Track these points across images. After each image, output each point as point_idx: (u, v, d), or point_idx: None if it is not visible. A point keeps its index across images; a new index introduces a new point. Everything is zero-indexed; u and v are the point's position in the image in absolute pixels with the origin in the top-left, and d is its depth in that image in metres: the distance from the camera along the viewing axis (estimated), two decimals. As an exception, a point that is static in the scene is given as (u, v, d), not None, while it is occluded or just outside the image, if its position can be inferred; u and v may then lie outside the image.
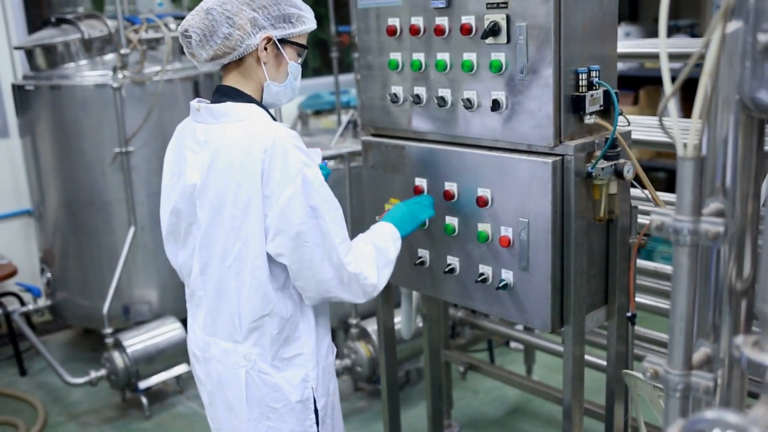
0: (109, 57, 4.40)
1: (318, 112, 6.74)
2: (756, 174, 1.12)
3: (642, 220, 2.68)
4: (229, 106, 2.04)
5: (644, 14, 6.45)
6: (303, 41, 2.16)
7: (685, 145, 1.02)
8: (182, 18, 4.80)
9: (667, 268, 3.11)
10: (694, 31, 5.85)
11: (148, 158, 4.33)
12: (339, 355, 4.18)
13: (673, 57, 2.83)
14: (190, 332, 2.25)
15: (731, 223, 1.12)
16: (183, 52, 4.81)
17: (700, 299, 1.24)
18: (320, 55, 8.08)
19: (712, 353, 1.19)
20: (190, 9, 5.69)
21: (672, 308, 1.10)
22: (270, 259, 2.02)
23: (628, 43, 3.16)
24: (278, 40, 2.07)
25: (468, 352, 4.01)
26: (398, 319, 3.33)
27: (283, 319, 2.06)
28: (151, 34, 4.30)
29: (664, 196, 2.76)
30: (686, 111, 5.98)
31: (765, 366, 0.96)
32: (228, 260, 2.04)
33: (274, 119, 2.10)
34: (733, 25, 1.08)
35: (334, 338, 4.22)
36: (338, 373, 4.05)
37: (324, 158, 2.44)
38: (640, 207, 2.58)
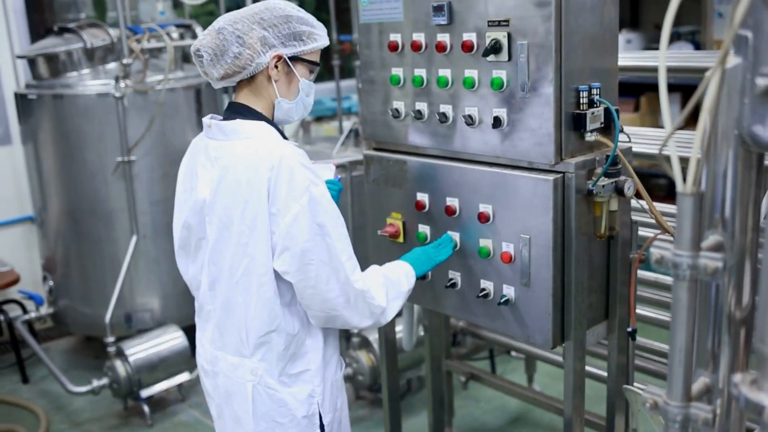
0: (112, 66, 4.42)
1: (319, 118, 6.76)
2: (755, 207, 1.12)
3: (642, 232, 2.70)
4: (239, 123, 2.06)
5: (645, 20, 6.46)
6: (315, 58, 2.17)
7: (684, 180, 1.03)
8: (185, 27, 4.84)
9: (667, 279, 3.12)
10: (695, 38, 5.85)
11: (151, 167, 4.35)
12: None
13: (673, 71, 2.84)
14: (198, 346, 2.27)
15: (730, 257, 1.13)
16: (185, 61, 4.85)
17: (699, 327, 1.25)
18: (322, 60, 8.10)
19: (711, 383, 1.20)
20: (193, 17, 5.72)
21: (671, 341, 1.11)
22: (277, 275, 2.03)
23: (630, 56, 3.16)
24: (289, 57, 2.08)
25: (469, 360, 4.02)
26: (399, 328, 3.34)
27: (290, 336, 2.08)
28: (154, 44, 4.31)
29: (664, 207, 2.77)
30: (687, 120, 6.00)
31: (763, 405, 0.97)
32: (236, 276, 2.05)
33: (284, 136, 2.12)
34: (733, 61, 1.09)
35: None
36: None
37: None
38: (641, 219, 2.60)
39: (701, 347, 1.26)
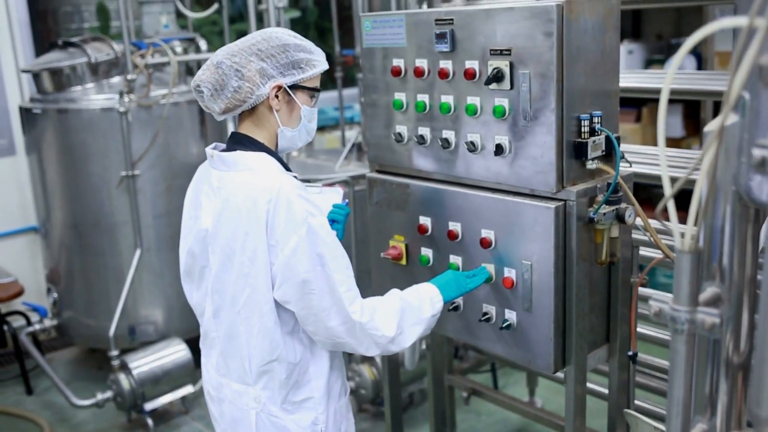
0: (116, 80, 4.45)
1: (322, 128, 6.78)
2: (753, 261, 1.15)
3: (644, 252, 2.72)
4: (239, 155, 2.07)
5: (647, 31, 6.48)
6: (315, 84, 2.19)
7: (682, 237, 1.05)
8: (189, 40, 4.87)
9: (668, 296, 3.13)
10: (697, 50, 5.86)
11: (155, 181, 4.37)
12: (343, 378, 4.22)
13: (675, 92, 2.86)
14: (204, 371, 2.29)
15: (727, 309, 1.15)
16: (189, 74, 4.87)
17: (697, 372, 1.27)
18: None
19: (708, 430, 1.22)
20: (196, 28, 5.72)
21: (669, 392, 1.13)
22: (279, 305, 2.05)
23: (631, 75, 3.18)
24: (288, 86, 2.10)
25: (471, 372, 4.04)
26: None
27: (292, 364, 2.09)
28: (158, 59, 4.33)
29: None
30: (688, 130, 6.01)
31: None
32: (237, 306, 2.07)
33: (287, 166, 2.14)
34: (732, 118, 1.11)
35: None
36: (342, 396, 4.09)
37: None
38: (641, 237, 2.61)
39: (699, 392, 1.28)
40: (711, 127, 1.14)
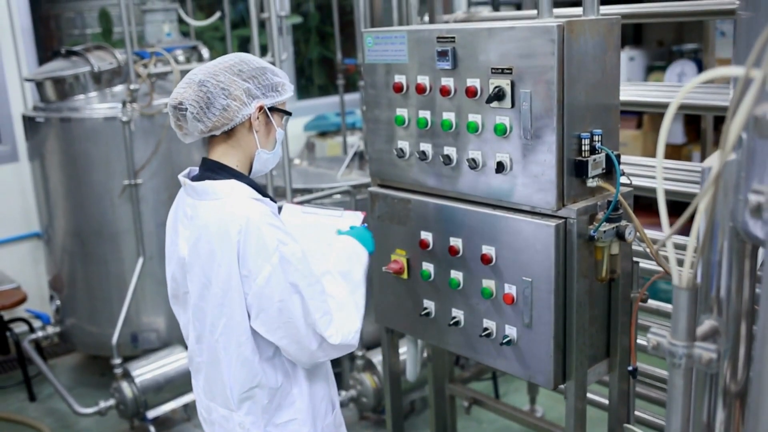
0: (119, 88, 4.46)
1: (323, 134, 6.80)
2: (750, 295, 1.16)
3: (644, 265, 2.73)
4: (208, 184, 2.06)
5: (648, 38, 6.49)
6: (285, 107, 2.21)
7: (680, 275, 1.07)
8: (192, 48, 4.89)
9: (667, 307, 3.15)
10: (697, 56, 5.88)
11: (157, 190, 4.39)
12: (345, 386, 4.24)
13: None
14: (195, 394, 2.30)
15: (725, 341, 1.17)
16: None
17: (695, 399, 1.29)
18: (326, 72, 8.15)
19: (706, 460, 1.24)
20: (198, 37, 5.74)
21: (667, 423, 1.15)
22: (256, 332, 2.06)
23: (631, 88, 3.20)
24: (268, 108, 2.11)
25: (473, 380, 4.06)
26: (403, 350, 3.37)
27: (273, 389, 2.11)
28: (160, 68, 4.35)
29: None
30: (689, 136, 6.02)
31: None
32: (216, 334, 2.08)
33: (261, 191, 2.12)
34: (730, 156, 1.13)
35: (340, 369, 4.29)
36: (344, 404, 4.12)
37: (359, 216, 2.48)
38: (641, 248, 2.63)
39: (697, 420, 1.30)
40: (708, 163, 1.16)
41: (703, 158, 4.69)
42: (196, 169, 2.17)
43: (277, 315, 2.00)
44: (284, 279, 1.99)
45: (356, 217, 2.44)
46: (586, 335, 2.36)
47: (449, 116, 2.41)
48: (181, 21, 5.34)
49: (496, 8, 4.85)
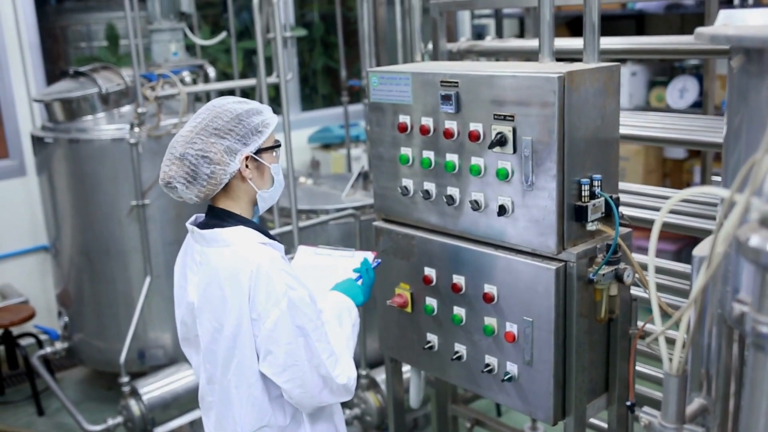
0: (126, 109, 4.53)
1: (327, 146, 6.86)
2: (738, 377, 1.22)
3: (643, 294, 2.79)
4: (216, 232, 2.12)
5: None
6: (272, 139, 2.23)
7: (671, 362, 1.13)
8: (198, 68, 4.94)
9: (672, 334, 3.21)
10: (699, 72, 5.93)
11: (164, 209, 4.46)
12: (349, 405, 4.30)
13: (674, 142, 2.93)
14: (206, 430, 2.36)
15: (713, 419, 1.23)
16: (198, 101, 4.95)
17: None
18: (330, 82, 8.20)
19: None
20: (204, 57, 5.80)
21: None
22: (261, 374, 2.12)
23: (632, 119, 3.25)
24: (254, 153, 2.15)
25: (476, 399, 4.12)
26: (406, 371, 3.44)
27: (281, 427, 2.17)
28: (167, 91, 4.41)
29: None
30: (690, 151, 6.05)
31: None
32: (228, 374, 2.15)
33: (267, 233, 2.19)
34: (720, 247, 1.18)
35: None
36: (348, 422, 4.18)
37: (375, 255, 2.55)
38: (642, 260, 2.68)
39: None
40: (699, 251, 1.21)
41: (703, 173, 4.72)
42: (202, 216, 2.24)
43: (284, 358, 2.06)
44: (291, 322, 2.05)
45: (369, 256, 2.50)
46: (586, 373, 2.42)
47: (452, 158, 2.47)
48: (186, 34, 5.40)
49: (499, 26, 4.89)
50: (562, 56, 2.66)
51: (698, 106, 5.56)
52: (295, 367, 2.07)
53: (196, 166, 2.06)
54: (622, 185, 3.17)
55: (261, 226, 2.23)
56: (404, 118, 2.60)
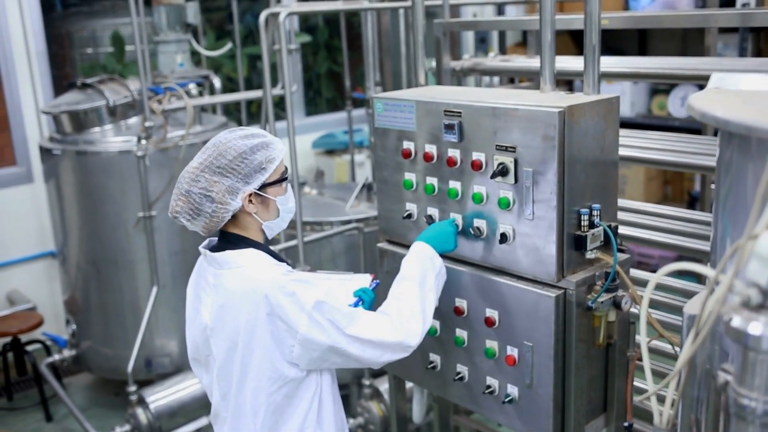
0: (133, 120, 4.60)
1: (331, 152, 6.92)
2: (725, 427, 1.28)
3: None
4: (228, 254, 2.20)
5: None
6: (280, 172, 2.28)
7: (661, 416, 1.19)
8: (205, 78, 5.00)
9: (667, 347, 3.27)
10: (702, 85, 5.96)
11: (171, 221, 4.38)
12: (353, 414, 4.37)
13: (667, 164, 2.99)
14: None
15: (704, 468, 1.29)
16: (203, 110, 5.01)
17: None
18: (334, 85, 8.25)
19: None
20: (210, 68, 5.86)
21: None
22: (282, 382, 2.20)
23: (631, 139, 3.31)
24: (258, 189, 2.21)
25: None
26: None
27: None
28: (174, 104, 4.47)
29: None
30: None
31: None
32: (243, 390, 2.22)
33: (278, 257, 2.27)
34: (708, 308, 1.24)
35: (347, 397, 4.42)
36: (352, 431, 4.25)
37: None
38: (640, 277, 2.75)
39: None
40: (689, 308, 1.27)
41: (702, 182, 4.78)
42: (215, 240, 2.31)
43: (329, 352, 2.16)
44: (322, 318, 2.13)
45: (365, 279, 2.57)
46: (584, 396, 2.48)
47: (455, 185, 2.53)
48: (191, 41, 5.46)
49: (502, 34, 4.95)
50: (563, 76, 2.70)
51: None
52: (345, 351, 2.16)
53: (200, 203, 2.14)
54: (621, 202, 3.23)
55: (270, 249, 2.30)
56: (408, 145, 2.65)
